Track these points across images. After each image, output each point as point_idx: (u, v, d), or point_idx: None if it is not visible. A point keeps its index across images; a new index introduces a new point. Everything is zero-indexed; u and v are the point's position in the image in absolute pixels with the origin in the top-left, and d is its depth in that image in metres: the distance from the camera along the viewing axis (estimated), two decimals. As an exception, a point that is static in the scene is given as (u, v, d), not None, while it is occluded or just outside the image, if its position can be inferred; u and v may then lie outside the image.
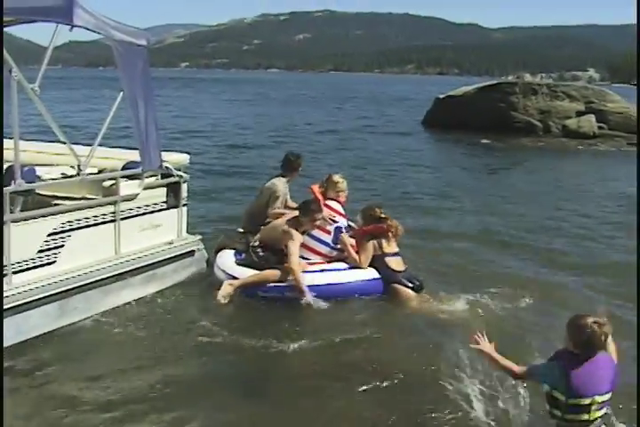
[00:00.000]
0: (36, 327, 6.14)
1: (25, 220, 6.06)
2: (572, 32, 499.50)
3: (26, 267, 6.09)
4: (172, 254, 7.72)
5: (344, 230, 7.83)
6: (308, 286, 7.25)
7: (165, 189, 7.69)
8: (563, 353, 4.14)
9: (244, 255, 7.80)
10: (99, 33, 6.56)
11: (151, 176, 7.52)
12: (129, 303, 7.08)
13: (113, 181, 7.02)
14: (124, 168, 7.33)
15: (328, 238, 7.78)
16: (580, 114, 28.82)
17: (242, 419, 5.10)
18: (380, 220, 7.68)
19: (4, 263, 5.84)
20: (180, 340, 6.47)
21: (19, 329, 5.95)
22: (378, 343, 6.48)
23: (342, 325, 6.85)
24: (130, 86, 6.99)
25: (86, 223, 6.65)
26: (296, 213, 7.71)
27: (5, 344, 5.71)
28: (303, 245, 7.66)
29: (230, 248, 8.09)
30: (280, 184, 8.17)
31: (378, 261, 7.58)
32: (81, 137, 14.17)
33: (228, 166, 18.56)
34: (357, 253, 7.63)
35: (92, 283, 6.66)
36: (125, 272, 7.05)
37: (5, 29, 7.73)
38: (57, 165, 7.30)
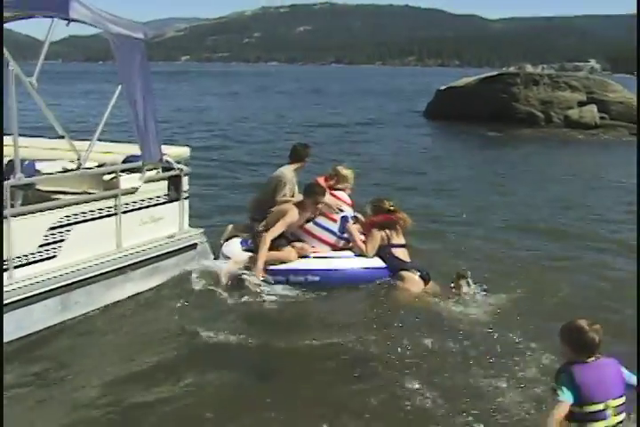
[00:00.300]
0: (37, 322, 6.14)
1: (25, 214, 6.05)
2: (573, 22, 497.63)
3: (27, 261, 6.08)
4: (174, 248, 7.70)
5: (350, 220, 7.86)
6: (314, 269, 7.41)
7: (166, 182, 7.67)
8: (565, 365, 3.99)
9: (250, 242, 7.83)
10: (95, 26, 6.55)
11: (152, 169, 7.50)
12: (130, 297, 7.06)
13: (113, 175, 7.00)
14: (124, 162, 7.31)
15: (334, 227, 7.81)
16: (581, 104, 28.78)
17: (244, 418, 5.06)
18: (389, 211, 7.74)
19: (5, 258, 5.84)
20: (180, 335, 6.47)
21: (20, 324, 5.95)
22: (383, 337, 6.44)
23: (345, 318, 6.84)
24: (128, 80, 6.98)
25: (87, 217, 6.63)
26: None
27: (7, 339, 5.72)
28: (309, 233, 7.78)
29: (237, 237, 8.15)
30: (288, 173, 8.16)
31: (385, 252, 7.66)
32: (80, 131, 14.11)
33: (229, 160, 18.57)
34: (364, 242, 7.69)
35: (93, 277, 6.64)
36: (127, 266, 7.04)
37: (4, 25, 7.73)
38: (57, 159, 7.28)
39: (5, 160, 6.24)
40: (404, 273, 7.57)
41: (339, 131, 27.07)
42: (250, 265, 7.53)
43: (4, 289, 5.76)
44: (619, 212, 12.78)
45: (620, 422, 3.94)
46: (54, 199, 6.63)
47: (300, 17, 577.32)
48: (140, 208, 7.29)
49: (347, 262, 7.63)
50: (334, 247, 7.85)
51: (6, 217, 5.79)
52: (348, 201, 7.99)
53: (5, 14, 6.85)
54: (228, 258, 7.79)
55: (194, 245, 8.02)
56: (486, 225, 11.16)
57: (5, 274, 5.87)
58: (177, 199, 7.81)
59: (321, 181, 8.04)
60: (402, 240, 7.78)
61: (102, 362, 5.84)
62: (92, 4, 6.45)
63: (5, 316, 5.68)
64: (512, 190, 15.02)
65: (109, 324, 6.55)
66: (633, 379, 3.99)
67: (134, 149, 7.34)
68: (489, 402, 5.15)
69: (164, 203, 7.63)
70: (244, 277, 7.40)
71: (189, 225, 8.09)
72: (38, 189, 6.66)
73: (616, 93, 29.23)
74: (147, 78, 7.23)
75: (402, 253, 7.70)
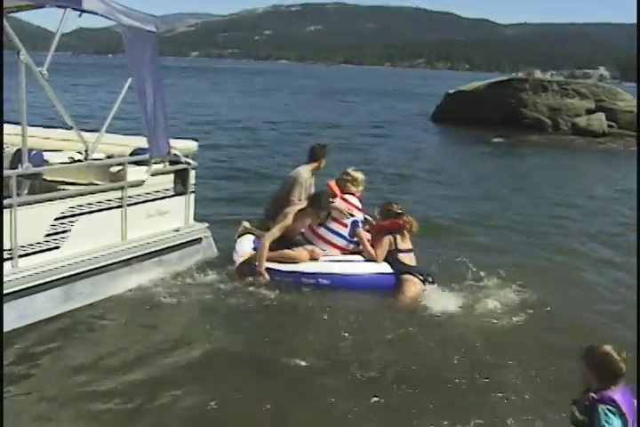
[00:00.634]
0: (40, 311, 6.14)
1: (32, 203, 6.05)
2: (584, 30, 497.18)
3: (32, 251, 6.09)
4: (179, 241, 7.72)
5: (360, 224, 7.92)
6: (323, 273, 7.44)
7: (173, 175, 7.68)
8: (602, 396, 3.64)
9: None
10: (107, 18, 6.56)
11: (159, 163, 7.51)
12: (133, 289, 7.06)
13: (120, 167, 7.01)
14: (132, 154, 7.32)
15: (345, 231, 7.87)
16: (589, 112, 28.70)
17: (247, 418, 5.05)
18: (398, 215, 7.78)
19: (11, 246, 5.84)
20: (182, 329, 6.50)
21: (23, 313, 5.96)
22: (387, 343, 6.39)
23: (350, 323, 6.80)
24: (138, 72, 6.99)
25: (93, 208, 6.65)
26: None
27: (10, 328, 5.73)
28: (320, 237, 7.86)
29: (250, 234, 8.20)
30: (304, 172, 8.23)
31: (391, 257, 7.69)
32: (89, 123, 14.15)
33: (237, 158, 18.58)
34: (373, 247, 7.75)
35: (97, 268, 6.66)
36: (131, 258, 7.06)
37: (16, 15, 7.76)
38: (64, 150, 7.29)
39: (14, 149, 6.26)
40: (405, 276, 7.59)
41: (346, 133, 27.00)
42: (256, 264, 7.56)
43: (8, 278, 5.78)
44: (617, 224, 12.69)
45: None
46: (61, 190, 6.65)
47: (312, 16, 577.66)
48: (146, 201, 7.30)
49: (358, 267, 7.65)
50: (344, 251, 7.93)
51: (12, 206, 5.80)
52: (359, 206, 8.01)
53: (19, 3, 6.88)
54: (240, 256, 7.82)
55: (198, 240, 8.03)
56: (485, 231, 11.14)
57: (10, 263, 5.88)
58: (183, 193, 7.82)
59: (332, 185, 8.06)
60: (408, 245, 7.80)
61: (101, 354, 5.80)
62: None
63: (8, 305, 5.69)
64: (514, 198, 14.97)
65: (110, 315, 6.55)
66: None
67: (142, 142, 7.35)
68: (498, 417, 5.08)
69: (170, 196, 7.64)
70: (250, 278, 7.44)
71: (194, 219, 8.10)
72: (45, 179, 6.66)
73: (625, 102, 29.16)
74: (157, 71, 7.24)
75: (408, 259, 7.71)
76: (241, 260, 7.72)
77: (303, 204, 7.90)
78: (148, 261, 7.28)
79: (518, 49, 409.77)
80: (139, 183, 7.17)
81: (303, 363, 5.77)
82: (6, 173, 5.86)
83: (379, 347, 6.20)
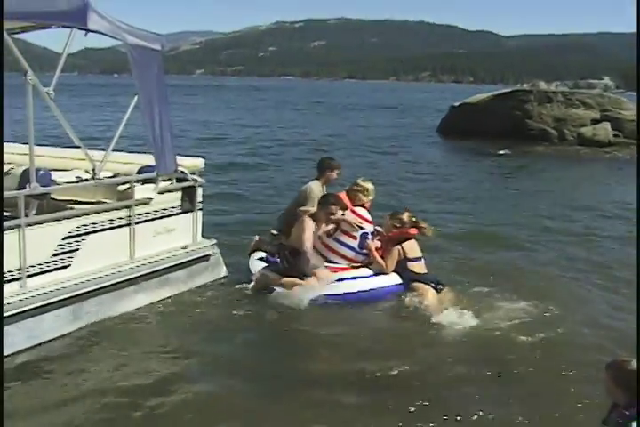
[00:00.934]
0: (48, 331, 6.14)
1: (40, 223, 6.07)
2: (587, 40, 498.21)
3: (40, 270, 6.09)
4: (187, 259, 7.71)
5: (370, 236, 7.96)
6: (332, 294, 7.46)
7: (180, 193, 7.69)
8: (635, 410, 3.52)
9: (276, 257, 7.90)
10: (113, 37, 6.60)
11: (166, 180, 7.52)
12: (142, 308, 7.06)
13: (127, 185, 7.02)
14: (139, 172, 7.33)
15: (354, 243, 7.93)
16: (595, 122, 28.65)
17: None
18: (412, 223, 7.87)
19: (19, 266, 5.86)
20: (192, 344, 6.45)
21: (31, 333, 5.96)
22: (395, 354, 6.39)
23: (358, 333, 6.81)
24: (145, 91, 7.02)
25: (101, 227, 6.66)
26: None
27: (18, 348, 5.74)
28: (330, 249, 7.94)
29: (263, 250, 8.28)
30: (315, 187, 8.27)
31: (401, 266, 7.76)
32: (96, 142, 14.20)
33: (245, 176, 18.60)
34: (383, 257, 7.80)
35: (105, 287, 6.66)
36: (139, 276, 7.05)
37: (22, 36, 7.82)
38: (72, 169, 7.31)
39: (21, 169, 6.28)
40: (416, 284, 7.65)
41: (352, 146, 27.05)
42: (274, 281, 7.61)
43: (18, 298, 5.78)
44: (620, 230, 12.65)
45: None
46: (69, 209, 6.66)
47: (315, 32, 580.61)
48: (153, 219, 7.31)
49: (372, 282, 7.69)
50: (354, 262, 8.00)
51: (21, 226, 5.81)
52: (368, 217, 8.04)
53: (24, 24, 6.93)
54: (254, 272, 7.90)
55: (206, 257, 8.03)
56: (489, 243, 11.10)
57: (18, 283, 5.89)
58: (191, 210, 7.83)
59: (343, 196, 8.08)
60: (418, 253, 7.86)
61: (108, 370, 5.79)
62: (108, 15, 6.51)
63: (17, 325, 5.70)
64: (522, 211, 14.89)
65: (118, 334, 6.52)
66: None
67: (149, 160, 7.37)
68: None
69: (177, 214, 7.65)
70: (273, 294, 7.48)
71: (202, 236, 8.11)
72: (53, 199, 6.68)
73: (630, 111, 29.07)
74: (162, 89, 7.29)
75: (417, 267, 7.78)
76: (257, 276, 7.76)
77: (313, 210, 7.92)
78: (155, 280, 7.27)
79: (522, 60, 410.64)
80: (146, 201, 7.18)
81: (321, 382, 5.73)
82: (14, 193, 5.89)
83: (393, 357, 6.19)
